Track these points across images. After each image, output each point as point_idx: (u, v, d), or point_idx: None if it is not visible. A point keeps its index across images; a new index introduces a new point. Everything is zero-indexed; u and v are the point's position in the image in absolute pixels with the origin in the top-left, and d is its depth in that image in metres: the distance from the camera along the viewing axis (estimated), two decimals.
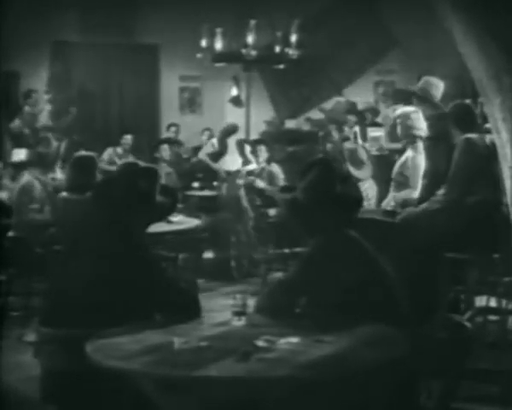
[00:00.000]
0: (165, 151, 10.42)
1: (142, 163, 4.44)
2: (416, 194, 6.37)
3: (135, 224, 3.97)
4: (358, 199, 4.17)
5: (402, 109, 6.87)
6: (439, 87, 6.86)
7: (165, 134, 12.32)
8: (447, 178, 5.70)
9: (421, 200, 6.07)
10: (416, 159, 6.51)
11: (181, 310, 3.78)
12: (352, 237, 3.89)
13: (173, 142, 11.40)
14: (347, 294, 3.65)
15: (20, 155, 8.48)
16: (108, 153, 10.77)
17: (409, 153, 6.61)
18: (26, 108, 10.83)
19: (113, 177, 4.30)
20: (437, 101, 6.81)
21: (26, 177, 6.90)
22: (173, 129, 12.23)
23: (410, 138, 6.55)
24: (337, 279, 3.70)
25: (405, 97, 7.44)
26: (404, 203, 6.28)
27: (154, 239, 6.31)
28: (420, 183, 6.38)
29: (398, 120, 6.68)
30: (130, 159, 9.67)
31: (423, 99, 6.72)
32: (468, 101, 6.35)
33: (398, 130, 6.67)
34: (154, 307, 3.83)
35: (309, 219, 3.95)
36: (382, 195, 7.30)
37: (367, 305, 3.60)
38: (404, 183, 6.56)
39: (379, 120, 10.60)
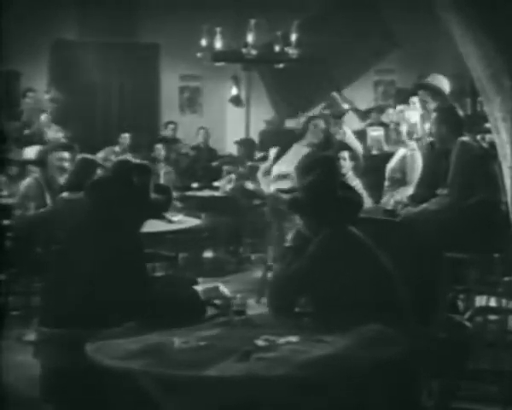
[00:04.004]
0: (159, 150, 10.41)
1: (134, 160, 4.46)
2: (411, 190, 6.40)
3: (130, 221, 3.97)
4: (359, 202, 4.18)
5: (406, 112, 6.94)
6: (445, 84, 6.98)
7: (163, 132, 12.33)
8: (447, 181, 5.72)
9: (415, 196, 6.11)
10: (415, 156, 6.57)
11: (183, 307, 3.78)
12: (355, 235, 3.89)
13: (170, 140, 11.40)
14: (350, 292, 3.65)
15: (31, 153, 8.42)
16: (105, 152, 10.71)
17: (404, 150, 6.68)
18: (24, 107, 10.83)
19: (105, 175, 4.32)
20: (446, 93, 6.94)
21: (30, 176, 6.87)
22: (171, 127, 12.22)
23: (409, 140, 6.64)
24: (340, 277, 3.70)
25: (407, 97, 7.47)
26: (404, 203, 6.29)
27: (155, 239, 6.33)
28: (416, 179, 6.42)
29: (401, 120, 6.76)
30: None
31: (435, 90, 6.79)
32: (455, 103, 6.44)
33: (402, 129, 6.73)
34: (154, 305, 3.83)
35: (311, 218, 3.96)
36: (379, 194, 7.30)
37: (368, 304, 3.60)
38: (401, 179, 6.59)
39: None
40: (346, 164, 7.19)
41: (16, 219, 6.48)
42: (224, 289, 3.95)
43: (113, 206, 3.97)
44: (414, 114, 6.99)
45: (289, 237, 6.00)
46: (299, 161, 4.22)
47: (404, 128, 6.78)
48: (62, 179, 6.55)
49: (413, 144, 6.69)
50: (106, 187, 4.11)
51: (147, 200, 4.12)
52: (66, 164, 6.56)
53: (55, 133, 9.90)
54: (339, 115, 8.95)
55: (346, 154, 7.24)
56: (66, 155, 6.62)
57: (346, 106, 9.67)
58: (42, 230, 6.29)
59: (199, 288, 3.97)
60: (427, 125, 6.61)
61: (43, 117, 10.56)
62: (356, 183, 7.09)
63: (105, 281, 3.74)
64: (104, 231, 3.91)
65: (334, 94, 9.95)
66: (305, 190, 3.97)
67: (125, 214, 3.95)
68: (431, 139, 6.29)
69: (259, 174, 7.71)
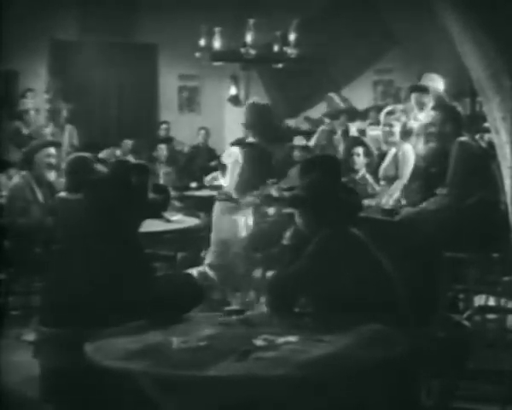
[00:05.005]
0: (161, 151, 10.43)
1: (132, 160, 4.48)
2: (404, 181, 6.42)
3: (128, 220, 3.98)
4: (359, 203, 4.19)
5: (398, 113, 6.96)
6: (439, 83, 7.02)
7: (157, 132, 12.33)
8: (446, 181, 5.73)
9: (407, 188, 6.15)
10: (407, 153, 6.59)
11: (184, 299, 3.78)
12: (354, 235, 3.89)
13: (164, 140, 11.42)
14: (349, 292, 3.66)
15: None
16: (106, 153, 10.72)
17: (396, 149, 6.70)
18: (23, 107, 10.82)
19: (104, 175, 4.33)
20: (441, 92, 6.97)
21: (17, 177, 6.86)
22: (164, 126, 12.26)
23: (404, 139, 6.67)
24: (339, 277, 3.70)
25: (407, 95, 7.49)
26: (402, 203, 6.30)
27: (153, 238, 6.33)
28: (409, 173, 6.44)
29: (394, 121, 6.76)
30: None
31: (429, 91, 6.82)
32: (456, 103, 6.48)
33: (395, 130, 6.74)
34: (154, 304, 3.83)
35: (310, 216, 3.96)
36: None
37: (368, 304, 3.60)
38: (395, 176, 6.61)
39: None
40: (360, 160, 7.13)
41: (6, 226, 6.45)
42: (209, 272, 3.96)
43: (111, 206, 3.98)
44: (408, 115, 6.98)
45: (287, 234, 6.00)
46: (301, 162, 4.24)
47: (397, 129, 6.77)
48: (51, 176, 6.57)
49: (406, 143, 6.69)
50: (104, 187, 4.12)
51: (145, 200, 4.13)
52: (53, 160, 6.58)
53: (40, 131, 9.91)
54: (337, 115, 8.95)
55: (360, 150, 7.18)
56: (52, 150, 6.63)
57: (343, 106, 9.68)
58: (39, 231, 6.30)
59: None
60: (422, 124, 6.62)
61: (33, 114, 10.56)
62: (369, 177, 7.11)
63: (104, 281, 3.74)
64: (103, 231, 3.92)
65: (331, 94, 9.96)
66: (305, 189, 3.98)
67: (124, 214, 3.96)
68: (428, 137, 6.31)
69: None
